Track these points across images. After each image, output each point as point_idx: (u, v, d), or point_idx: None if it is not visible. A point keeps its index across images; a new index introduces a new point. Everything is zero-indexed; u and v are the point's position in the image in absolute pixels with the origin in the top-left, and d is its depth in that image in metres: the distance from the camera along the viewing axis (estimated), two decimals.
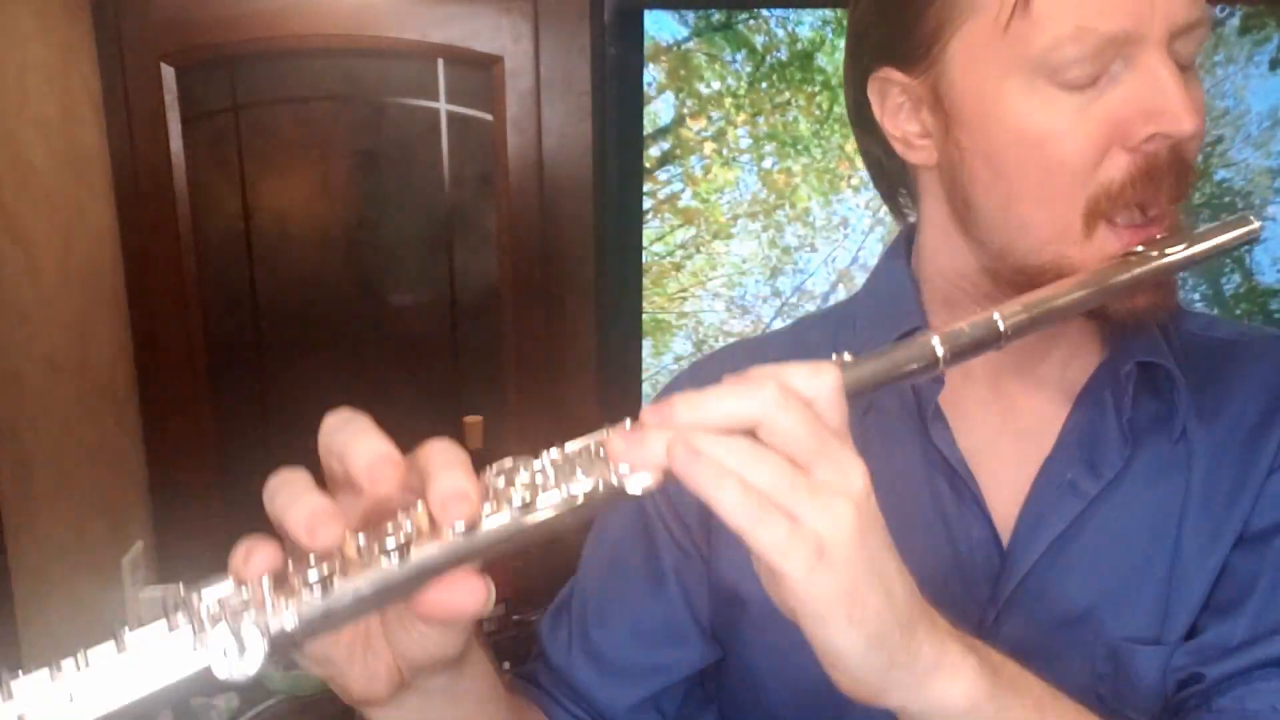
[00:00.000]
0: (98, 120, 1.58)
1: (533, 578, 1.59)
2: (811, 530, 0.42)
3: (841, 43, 1.54)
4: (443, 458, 0.43)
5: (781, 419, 0.43)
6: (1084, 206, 0.58)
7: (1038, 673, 0.51)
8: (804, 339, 0.77)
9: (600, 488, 0.43)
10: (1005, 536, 0.65)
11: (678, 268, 1.70)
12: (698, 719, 0.76)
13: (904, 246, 0.74)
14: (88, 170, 1.55)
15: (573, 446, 0.46)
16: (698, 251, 1.70)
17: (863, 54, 0.65)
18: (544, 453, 0.45)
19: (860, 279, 0.81)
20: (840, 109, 1.63)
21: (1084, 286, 0.55)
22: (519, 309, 1.78)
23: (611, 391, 1.74)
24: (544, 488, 0.44)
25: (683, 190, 1.67)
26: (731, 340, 1.71)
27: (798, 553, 0.42)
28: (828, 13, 1.60)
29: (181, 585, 0.42)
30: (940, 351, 0.49)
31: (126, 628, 0.40)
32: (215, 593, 0.43)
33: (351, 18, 1.62)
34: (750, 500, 0.42)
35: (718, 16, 1.59)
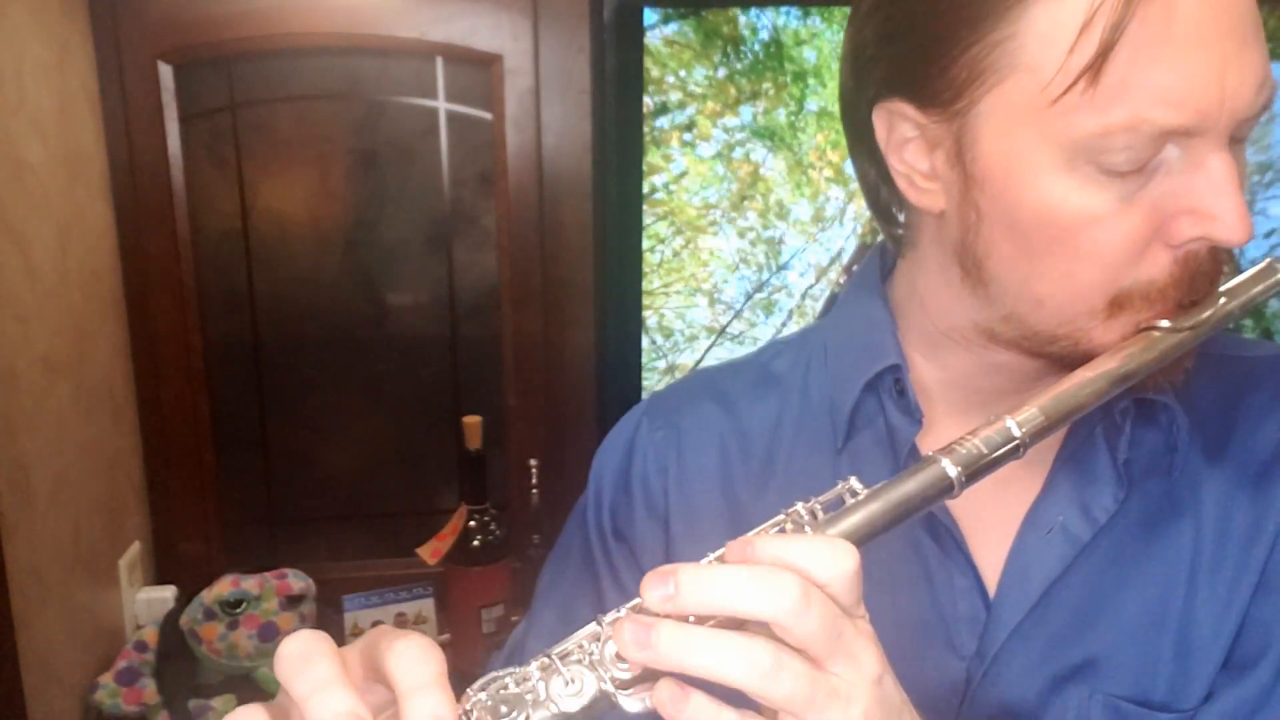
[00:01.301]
0: (94, 119, 1.57)
1: (532, 577, 1.58)
2: None
3: (813, 31, 1.55)
4: (416, 674, 0.39)
5: (800, 623, 0.41)
6: (1113, 294, 0.52)
7: None
8: (770, 368, 0.72)
9: (595, 704, 0.41)
10: (991, 586, 0.61)
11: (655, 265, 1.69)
12: None
13: (877, 273, 0.68)
14: (84, 169, 1.54)
15: (562, 648, 0.43)
16: (660, 243, 1.69)
17: (869, 78, 0.58)
18: (531, 661, 0.42)
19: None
20: (815, 102, 1.62)
21: (1105, 379, 0.50)
22: (519, 309, 1.77)
23: (611, 391, 1.73)
24: (534, 706, 0.40)
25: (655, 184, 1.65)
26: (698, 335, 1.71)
27: None
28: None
29: None
30: (954, 474, 0.46)
31: None
32: None
33: (350, 16, 1.62)
34: None
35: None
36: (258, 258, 1.74)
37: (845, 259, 1.70)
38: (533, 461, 1.75)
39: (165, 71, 1.61)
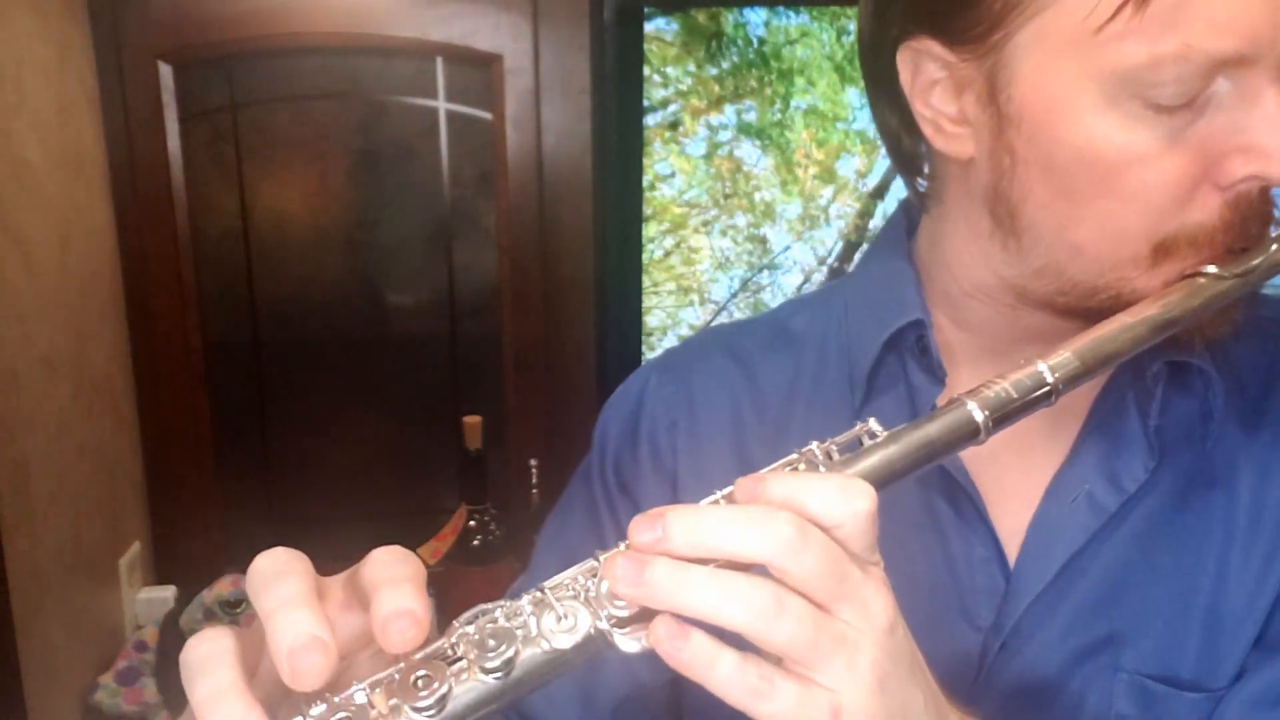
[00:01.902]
0: (95, 119, 1.57)
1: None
2: (826, 690, 0.38)
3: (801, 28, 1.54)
4: (387, 571, 0.37)
5: (796, 563, 0.38)
6: (1159, 239, 0.49)
7: (1047, 712, 0.46)
8: (786, 326, 0.68)
9: (589, 642, 0.38)
10: (1011, 556, 0.58)
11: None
12: None
13: (903, 230, 0.65)
14: (85, 169, 1.54)
15: (556, 582, 0.40)
16: (650, 242, 1.69)
17: (893, 14, 0.54)
18: (524, 596, 0.39)
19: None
20: (801, 100, 1.62)
21: (1146, 325, 0.47)
22: (518, 308, 1.77)
23: (611, 391, 1.73)
24: (524, 641, 0.38)
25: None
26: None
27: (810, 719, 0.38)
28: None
29: None
30: (979, 418, 0.43)
31: None
32: None
33: (350, 16, 1.62)
34: (748, 675, 0.38)
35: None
36: (258, 257, 1.74)
37: (833, 259, 1.70)
38: (533, 461, 1.75)
39: (165, 71, 1.61)
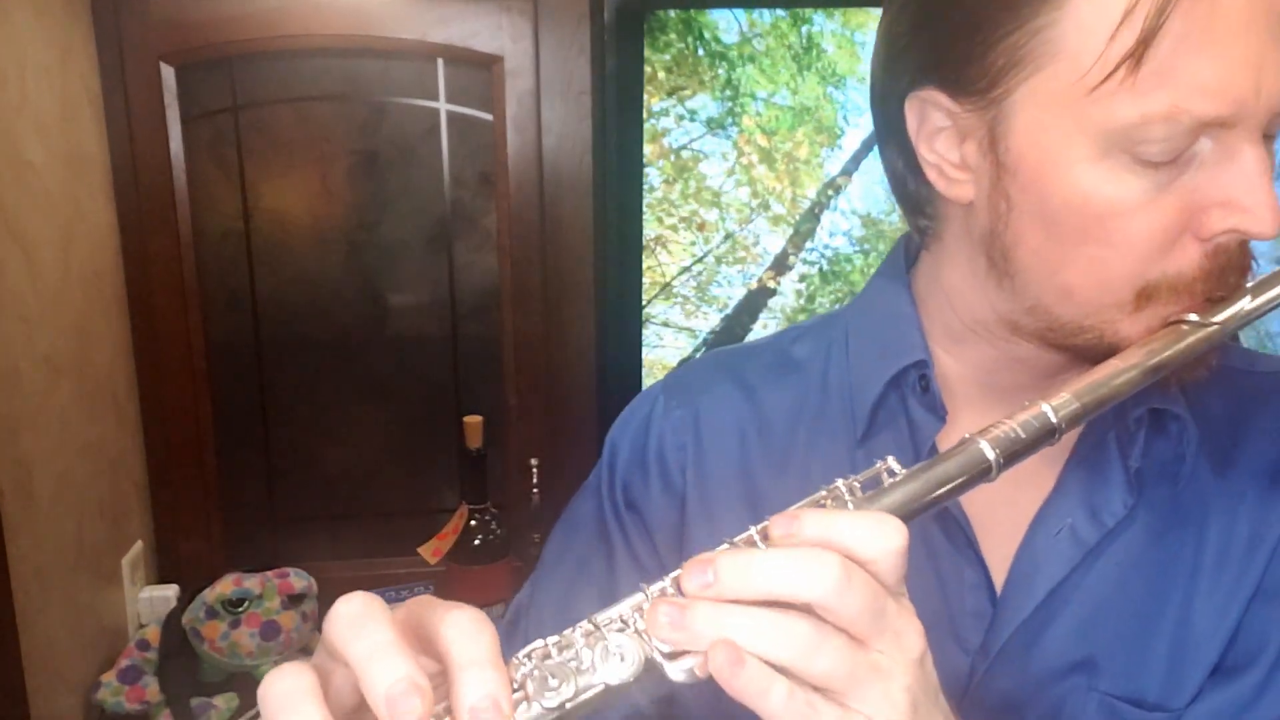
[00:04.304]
0: (97, 119, 1.58)
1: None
2: (863, 718, 0.41)
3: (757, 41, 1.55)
4: (470, 649, 0.38)
5: (841, 603, 0.40)
6: (1142, 285, 0.52)
7: None
8: (790, 353, 0.72)
9: (641, 672, 0.40)
10: (999, 583, 0.61)
11: None
12: None
13: (903, 264, 0.68)
14: (87, 170, 1.55)
15: (606, 616, 0.42)
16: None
17: (902, 67, 0.58)
18: (574, 629, 0.42)
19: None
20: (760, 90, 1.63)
21: (1136, 368, 0.50)
22: (519, 309, 1.78)
23: (611, 391, 1.74)
24: (579, 673, 0.40)
25: None
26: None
27: None
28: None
29: None
30: (991, 456, 0.46)
31: None
32: None
33: (351, 17, 1.62)
34: (797, 703, 0.40)
35: None
36: (259, 258, 1.74)
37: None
38: (533, 461, 1.76)
39: (167, 72, 1.61)
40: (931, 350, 0.64)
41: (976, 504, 0.61)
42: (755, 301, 1.72)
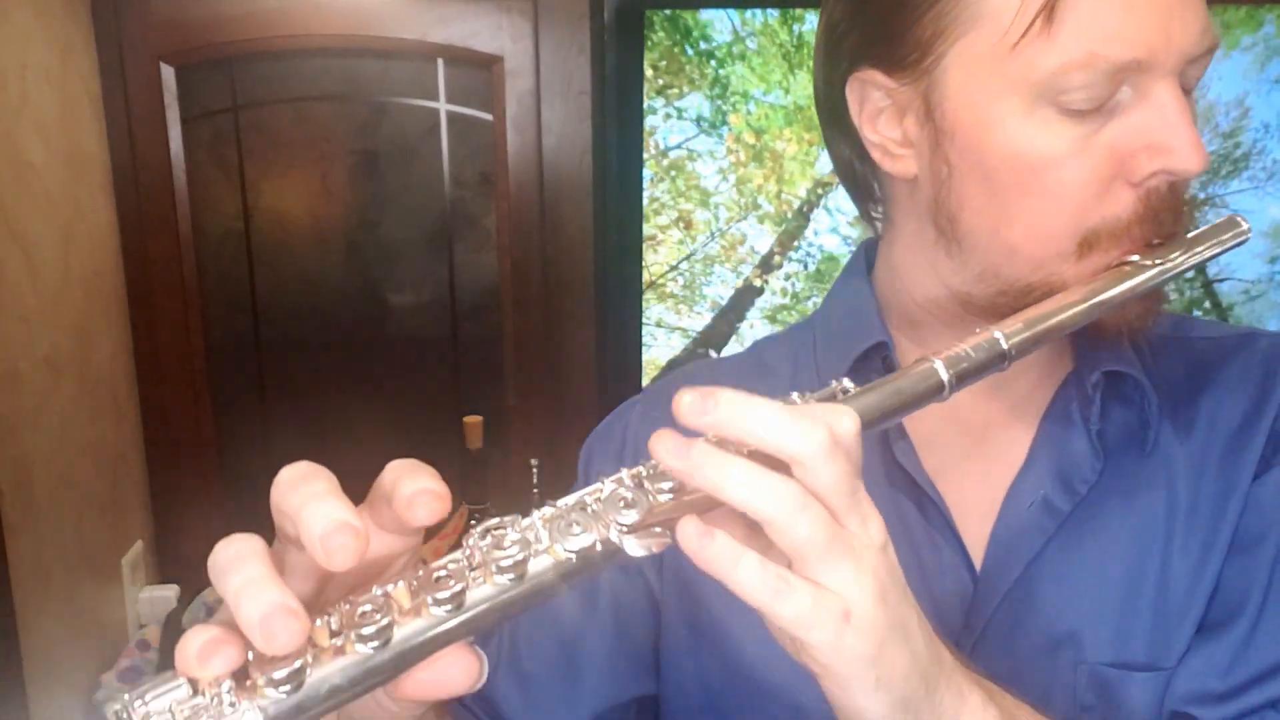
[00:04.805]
0: (97, 120, 1.58)
1: None
2: (837, 595, 0.41)
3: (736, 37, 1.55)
4: (406, 467, 0.40)
5: (828, 469, 0.41)
6: (1082, 234, 0.55)
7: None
8: (761, 360, 0.73)
9: (598, 546, 0.40)
10: (977, 560, 0.62)
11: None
12: None
13: (864, 262, 0.70)
14: (87, 170, 1.55)
15: (567, 501, 0.42)
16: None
17: (841, 53, 0.61)
18: (534, 511, 0.41)
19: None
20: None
21: (1082, 301, 0.53)
22: (519, 309, 1.78)
23: (611, 391, 1.74)
24: (535, 550, 0.39)
25: None
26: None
27: (824, 622, 0.40)
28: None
29: (126, 695, 0.36)
30: (945, 376, 0.47)
31: None
32: (165, 700, 0.35)
33: (351, 17, 1.62)
34: (769, 575, 0.40)
35: None
36: (259, 258, 1.75)
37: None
38: (533, 461, 1.76)
39: (168, 73, 1.61)
40: (893, 336, 0.66)
41: (949, 483, 0.63)
42: (742, 300, 1.72)
